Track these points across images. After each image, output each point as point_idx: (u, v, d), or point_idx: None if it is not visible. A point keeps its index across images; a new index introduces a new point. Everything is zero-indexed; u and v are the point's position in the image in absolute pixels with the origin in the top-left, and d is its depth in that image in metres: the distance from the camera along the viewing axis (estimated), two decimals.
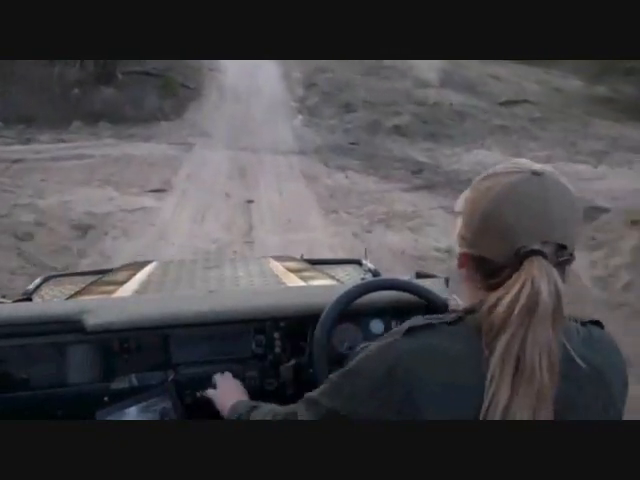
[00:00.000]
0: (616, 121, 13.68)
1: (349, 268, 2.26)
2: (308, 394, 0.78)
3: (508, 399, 0.60)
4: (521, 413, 0.60)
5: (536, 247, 0.64)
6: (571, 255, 0.68)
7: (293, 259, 2.48)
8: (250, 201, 7.25)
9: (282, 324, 1.31)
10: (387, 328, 1.31)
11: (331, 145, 11.40)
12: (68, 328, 1.22)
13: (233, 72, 15.44)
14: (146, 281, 1.90)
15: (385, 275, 1.93)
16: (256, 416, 0.91)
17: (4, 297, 1.79)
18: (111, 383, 1.23)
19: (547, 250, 0.65)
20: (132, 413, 1.16)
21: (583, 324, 0.71)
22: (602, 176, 9.95)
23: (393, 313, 1.33)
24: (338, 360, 1.17)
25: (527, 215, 0.65)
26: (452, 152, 11.30)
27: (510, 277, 0.64)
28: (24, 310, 1.32)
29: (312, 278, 1.91)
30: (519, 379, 0.61)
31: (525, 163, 0.71)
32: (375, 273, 1.98)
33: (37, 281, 2.07)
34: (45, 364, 1.21)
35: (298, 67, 16.42)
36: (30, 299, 1.80)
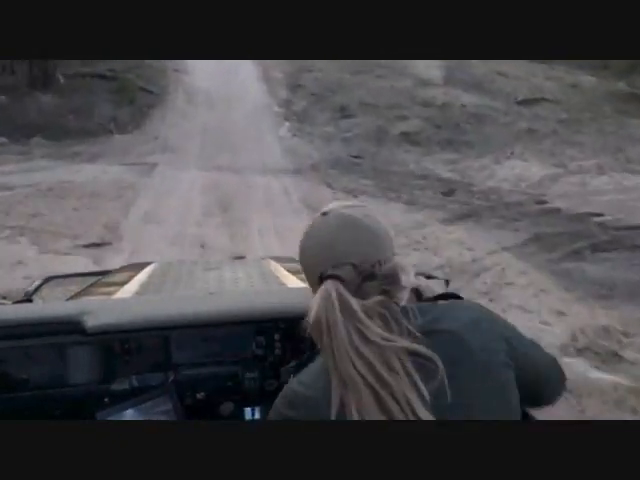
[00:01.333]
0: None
1: None
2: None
3: (336, 399, 0.68)
4: (352, 413, 0.66)
5: (327, 272, 0.75)
6: (373, 267, 0.75)
7: (293, 260, 2.28)
8: (240, 257, 4.83)
9: (282, 325, 1.30)
10: None
11: (331, 159, 9.13)
12: (68, 329, 1.21)
13: (203, 73, 13.04)
14: (146, 282, 1.86)
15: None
16: None
17: (4, 298, 1.85)
18: (111, 384, 1.22)
19: (341, 272, 0.74)
20: (132, 414, 1.17)
21: (441, 301, 0.81)
22: None
23: None
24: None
25: (318, 248, 0.79)
26: (480, 164, 9.14)
27: None
28: (24, 311, 1.33)
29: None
30: (341, 382, 0.68)
31: (321, 211, 0.82)
32: None
33: (37, 282, 1.99)
34: (45, 365, 1.21)
35: (278, 66, 14.13)
36: (30, 300, 1.75)
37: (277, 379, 1.29)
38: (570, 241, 6.20)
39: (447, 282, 1.32)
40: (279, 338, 1.30)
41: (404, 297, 0.76)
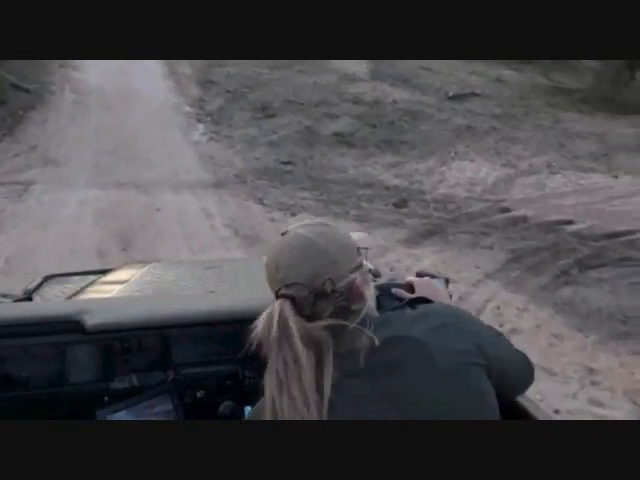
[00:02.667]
0: (583, 113, 11.50)
1: None
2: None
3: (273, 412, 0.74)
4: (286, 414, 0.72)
5: (282, 292, 0.79)
6: (324, 285, 0.78)
7: None
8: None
9: None
10: None
11: (257, 167, 7.69)
12: (68, 328, 1.20)
13: (97, 68, 11.03)
14: (146, 281, 1.86)
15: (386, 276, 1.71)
16: None
17: (5, 297, 1.75)
18: (111, 383, 1.22)
19: (292, 291, 0.78)
20: (132, 413, 1.16)
21: (410, 305, 0.86)
22: (633, 190, 7.35)
23: None
24: None
25: (272, 268, 0.83)
26: (426, 167, 8.12)
27: None
28: (24, 310, 1.33)
29: None
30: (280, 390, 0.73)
31: (288, 227, 0.87)
32: (375, 274, 1.76)
33: (37, 281, 2.00)
34: (45, 364, 1.20)
35: (186, 61, 12.42)
36: (30, 299, 1.77)
37: None
38: (553, 258, 5.28)
39: (447, 281, 1.27)
40: None
41: (365, 310, 0.78)
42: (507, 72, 14.53)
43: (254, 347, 0.74)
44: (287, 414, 0.70)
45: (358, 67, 13.00)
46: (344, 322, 0.75)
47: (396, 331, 0.76)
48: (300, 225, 0.85)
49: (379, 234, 5.44)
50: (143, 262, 2.27)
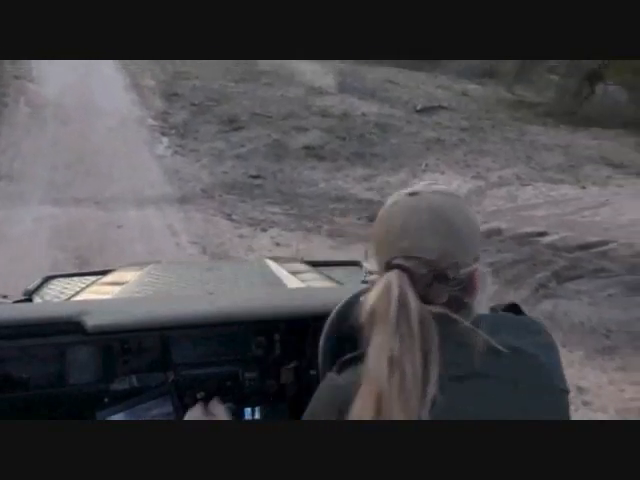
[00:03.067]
0: (547, 126, 11.72)
1: (349, 270, 2.22)
2: None
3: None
4: (363, 416, 0.63)
5: (396, 261, 0.69)
6: (448, 268, 0.68)
7: (293, 260, 2.43)
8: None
9: (282, 326, 1.29)
10: None
11: (225, 182, 7.43)
12: (68, 329, 1.19)
13: (54, 80, 10.59)
14: (146, 282, 1.84)
15: None
16: None
17: (5, 297, 1.79)
18: (111, 384, 1.21)
19: (411, 264, 0.68)
20: (132, 414, 1.15)
21: (504, 309, 0.77)
22: (601, 201, 7.42)
23: None
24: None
25: (390, 232, 0.71)
26: (398, 180, 8.03)
27: None
28: (24, 310, 1.32)
29: (312, 280, 1.85)
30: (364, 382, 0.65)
31: (408, 190, 0.75)
32: None
33: (37, 281, 1.98)
34: (45, 365, 1.20)
35: (149, 72, 12.10)
36: (30, 299, 1.76)
37: (277, 379, 1.27)
38: (530, 271, 5.20)
39: None
40: (279, 338, 1.28)
41: (474, 308, 0.71)
42: (472, 86, 14.78)
43: (362, 319, 0.67)
44: (395, 394, 0.62)
45: (325, 80, 12.95)
46: (456, 316, 0.67)
47: (510, 340, 0.68)
48: (434, 190, 0.74)
49: (354, 249, 5.25)
50: (143, 263, 2.25)
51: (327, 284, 1.80)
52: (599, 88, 12.74)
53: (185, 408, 1.17)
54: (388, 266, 0.70)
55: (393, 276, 0.67)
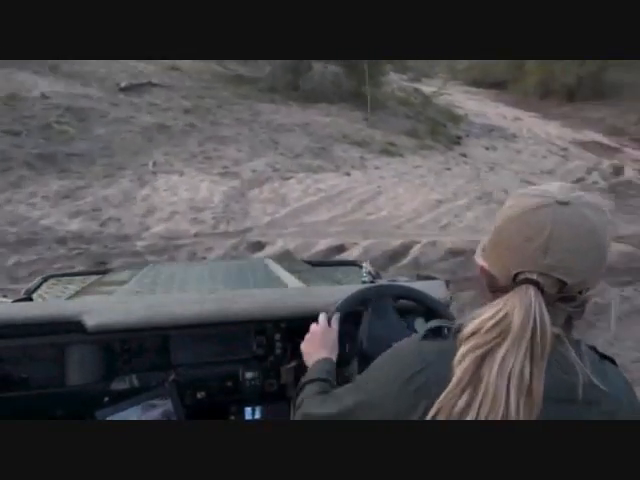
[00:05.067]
0: (277, 103, 10.51)
1: (349, 270, 2.21)
2: (336, 390, 0.81)
3: (462, 409, 0.60)
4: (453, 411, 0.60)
5: (532, 277, 0.62)
6: (579, 293, 0.64)
7: (294, 261, 2.38)
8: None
9: (283, 325, 1.30)
10: None
11: None
12: (68, 328, 1.19)
13: None
14: (146, 282, 1.82)
15: (387, 279, 1.75)
16: (306, 393, 0.90)
17: (5, 297, 1.73)
18: (111, 383, 1.21)
19: (545, 282, 0.62)
20: (132, 413, 1.15)
21: (601, 357, 0.70)
22: (374, 189, 6.39)
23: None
24: (340, 361, 1.09)
25: (532, 242, 0.63)
26: (119, 192, 5.41)
27: None
28: (24, 310, 1.27)
29: (312, 280, 1.82)
30: (477, 397, 0.60)
31: (556, 189, 0.66)
32: (375, 276, 1.85)
33: (37, 281, 1.97)
34: (45, 364, 1.19)
35: None
36: (30, 299, 1.69)
37: (277, 379, 1.27)
38: None
39: (448, 283, 1.35)
40: (279, 338, 1.29)
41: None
42: (180, 61, 12.56)
43: (484, 326, 0.61)
44: (513, 414, 0.58)
45: None
46: (567, 342, 0.63)
47: (606, 384, 0.63)
48: (585, 202, 0.63)
49: None
50: (143, 263, 2.14)
51: (327, 284, 1.75)
52: (317, 63, 12.13)
53: (185, 408, 1.18)
54: (519, 278, 0.63)
55: (531, 293, 0.61)
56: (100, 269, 2.40)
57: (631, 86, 24.02)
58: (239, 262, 2.55)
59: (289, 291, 1.56)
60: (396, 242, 4.86)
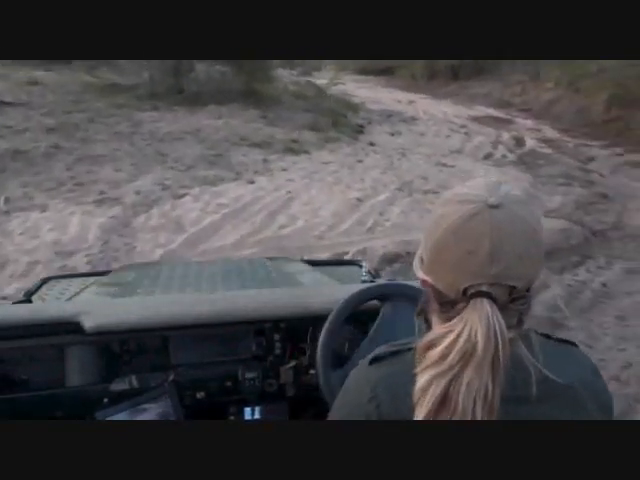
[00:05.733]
0: (161, 110, 9.36)
1: (349, 270, 2.16)
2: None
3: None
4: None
5: (482, 289, 0.61)
6: (527, 292, 0.64)
7: (293, 260, 2.35)
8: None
9: (282, 325, 1.29)
10: None
11: None
12: (68, 329, 1.19)
13: None
14: (145, 282, 1.80)
15: (386, 278, 1.71)
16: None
17: (4, 298, 1.69)
18: (111, 384, 1.20)
19: (496, 292, 0.61)
20: (132, 414, 1.14)
21: (558, 341, 0.71)
22: (283, 196, 5.57)
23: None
24: (340, 362, 1.11)
25: (476, 255, 0.61)
26: None
27: (460, 313, 0.62)
28: (24, 311, 1.29)
29: (312, 280, 1.81)
30: (447, 416, 0.59)
31: (482, 190, 0.63)
32: (375, 275, 1.85)
33: (37, 282, 1.97)
34: (45, 365, 1.20)
35: None
36: (30, 300, 1.70)
37: (277, 379, 1.27)
38: None
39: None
40: (279, 338, 1.28)
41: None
42: (41, 74, 10.90)
43: (431, 361, 0.60)
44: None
45: None
46: (521, 342, 0.63)
47: (556, 373, 0.63)
48: (515, 200, 0.62)
49: None
50: (142, 264, 2.09)
51: (327, 284, 1.72)
52: (201, 63, 11.05)
53: (185, 408, 1.19)
54: (469, 292, 0.61)
55: (487, 307, 0.60)
56: (99, 270, 2.32)
57: (507, 61, 25.22)
58: (239, 262, 2.47)
59: (288, 291, 1.53)
60: (321, 255, 4.09)
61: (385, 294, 1.20)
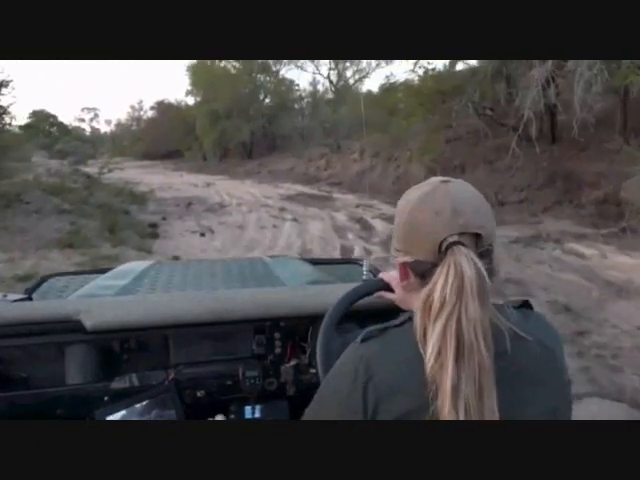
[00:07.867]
0: None
1: (349, 268, 2.20)
2: (306, 411, 0.82)
3: (454, 378, 0.63)
4: (467, 387, 0.63)
5: (455, 239, 0.70)
6: (490, 245, 0.74)
7: (294, 259, 2.41)
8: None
9: (282, 324, 1.29)
10: None
11: None
12: (68, 328, 1.19)
13: None
14: (146, 281, 1.82)
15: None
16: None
17: (5, 296, 1.68)
18: (111, 383, 1.20)
19: (465, 240, 0.71)
20: (132, 413, 1.14)
21: (516, 307, 0.76)
22: None
23: (393, 312, 1.19)
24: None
25: (442, 213, 0.72)
26: None
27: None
28: (24, 310, 1.27)
29: (312, 278, 1.80)
30: (461, 356, 0.64)
31: (431, 179, 0.79)
32: (376, 273, 1.79)
33: (37, 280, 1.99)
34: (45, 364, 1.20)
35: None
36: (30, 298, 1.69)
37: (277, 378, 1.27)
38: None
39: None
40: (279, 337, 1.28)
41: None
42: None
43: (418, 309, 0.69)
44: (465, 384, 0.63)
45: None
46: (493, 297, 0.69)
47: (531, 329, 0.72)
48: (457, 179, 0.79)
49: None
50: (142, 262, 2.17)
51: (327, 282, 1.71)
52: None
53: (185, 407, 1.18)
54: (443, 246, 0.70)
55: (461, 254, 0.68)
56: (100, 268, 2.38)
57: (291, 137, 24.68)
58: (239, 261, 2.46)
59: (289, 290, 1.54)
60: None
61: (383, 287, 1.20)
